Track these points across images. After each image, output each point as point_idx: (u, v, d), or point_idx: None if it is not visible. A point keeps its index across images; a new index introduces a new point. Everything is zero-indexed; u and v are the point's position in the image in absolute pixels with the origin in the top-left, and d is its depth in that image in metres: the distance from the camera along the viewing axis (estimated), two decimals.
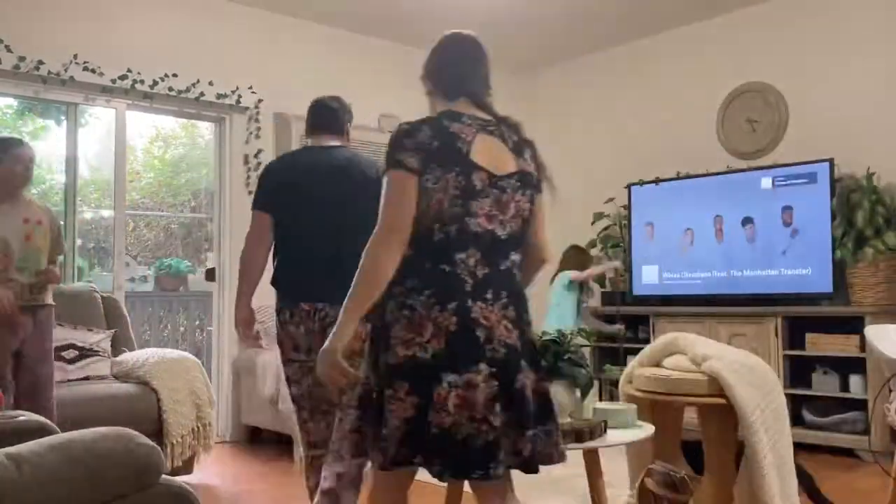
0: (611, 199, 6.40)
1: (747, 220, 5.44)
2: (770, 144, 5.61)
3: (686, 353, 2.93)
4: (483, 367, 1.88)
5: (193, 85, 5.32)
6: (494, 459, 1.88)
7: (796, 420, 5.00)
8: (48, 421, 2.31)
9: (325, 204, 2.90)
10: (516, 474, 2.02)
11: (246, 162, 5.63)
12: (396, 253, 1.92)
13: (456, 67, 2.19)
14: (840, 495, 3.93)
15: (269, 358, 5.06)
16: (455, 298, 1.91)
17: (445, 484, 2.57)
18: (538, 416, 1.97)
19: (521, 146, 2.17)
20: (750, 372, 2.76)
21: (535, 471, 1.97)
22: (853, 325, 4.79)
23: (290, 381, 3.00)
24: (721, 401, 2.73)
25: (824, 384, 4.88)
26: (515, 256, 2.08)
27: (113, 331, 4.64)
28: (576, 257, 5.56)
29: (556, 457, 2.01)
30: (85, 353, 4.38)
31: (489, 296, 1.95)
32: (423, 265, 1.94)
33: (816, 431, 4.88)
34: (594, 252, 6.45)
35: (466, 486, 2.07)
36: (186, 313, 7.33)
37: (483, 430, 1.86)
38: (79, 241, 5.63)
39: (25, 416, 2.30)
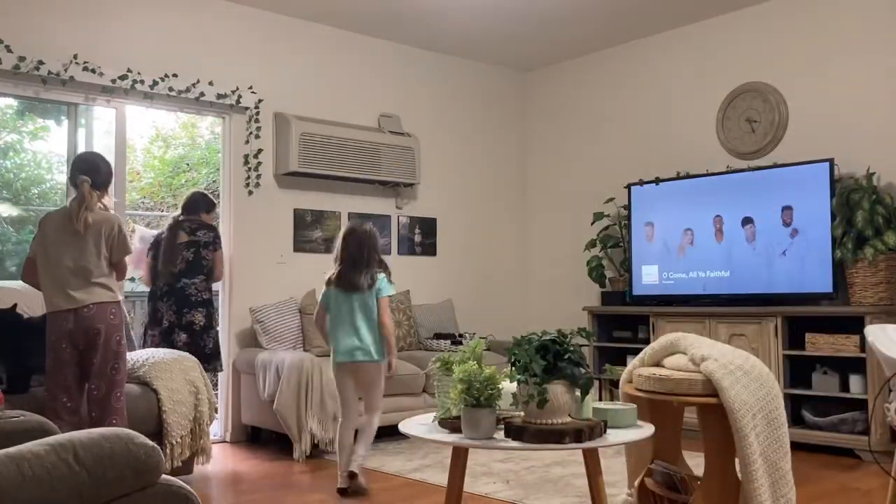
0: (611, 199, 6.40)
1: (747, 220, 5.44)
2: (770, 144, 5.61)
3: (687, 353, 2.93)
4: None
5: (193, 85, 5.32)
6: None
7: (796, 420, 5.01)
8: (48, 421, 2.32)
9: None
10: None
11: (246, 162, 5.63)
12: None
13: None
14: (840, 495, 3.94)
15: (270, 358, 5.07)
16: None
17: (445, 484, 2.56)
18: None
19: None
20: (745, 375, 2.75)
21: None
22: (853, 325, 4.79)
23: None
24: (718, 401, 2.73)
25: (824, 384, 4.88)
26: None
27: None
28: None
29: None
30: None
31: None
32: None
33: (816, 431, 4.87)
34: (594, 252, 6.45)
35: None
36: None
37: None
38: None
39: (25, 415, 2.31)
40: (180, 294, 4.75)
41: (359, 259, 4.09)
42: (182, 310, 4.74)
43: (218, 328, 5.00)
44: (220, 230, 5.15)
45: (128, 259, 3.90)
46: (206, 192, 5.30)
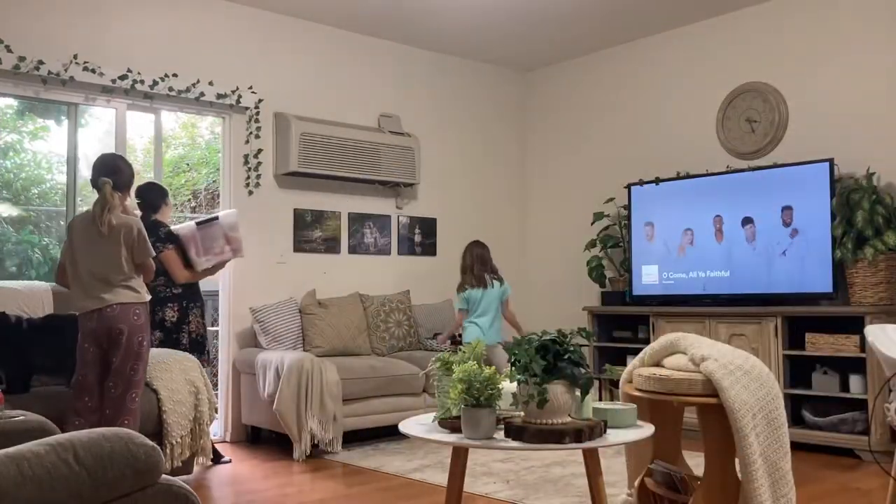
0: (611, 199, 6.40)
1: (747, 220, 5.44)
2: (770, 144, 5.61)
3: (687, 353, 2.92)
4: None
5: (193, 85, 5.32)
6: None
7: (796, 420, 5.01)
8: (48, 420, 2.32)
9: None
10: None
11: (246, 162, 5.63)
12: None
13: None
14: (840, 495, 3.94)
15: (270, 358, 5.07)
16: None
17: (445, 484, 2.56)
18: None
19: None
20: (745, 375, 2.75)
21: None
22: (853, 325, 4.79)
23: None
24: (718, 401, 2.73)
25: (824, 384, 4.88)
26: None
27: None
28: None
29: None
30: None
31: None
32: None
33: (816, 431, 4.87)
34: (594, 252, 6.45)
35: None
36: None
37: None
38: None
39: (26, 415, 2.31)
40: (152, 293, 4.58)
41: (483, 265, 5.52)
42: (154, 308, 4.61)
43: (195, 323, 4.72)
44: (167, 227, 4.70)
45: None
46: (152, 181, 5.04)
